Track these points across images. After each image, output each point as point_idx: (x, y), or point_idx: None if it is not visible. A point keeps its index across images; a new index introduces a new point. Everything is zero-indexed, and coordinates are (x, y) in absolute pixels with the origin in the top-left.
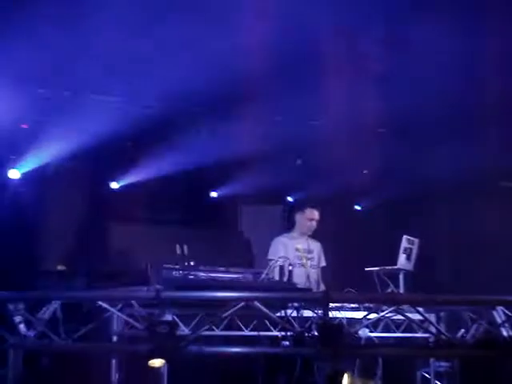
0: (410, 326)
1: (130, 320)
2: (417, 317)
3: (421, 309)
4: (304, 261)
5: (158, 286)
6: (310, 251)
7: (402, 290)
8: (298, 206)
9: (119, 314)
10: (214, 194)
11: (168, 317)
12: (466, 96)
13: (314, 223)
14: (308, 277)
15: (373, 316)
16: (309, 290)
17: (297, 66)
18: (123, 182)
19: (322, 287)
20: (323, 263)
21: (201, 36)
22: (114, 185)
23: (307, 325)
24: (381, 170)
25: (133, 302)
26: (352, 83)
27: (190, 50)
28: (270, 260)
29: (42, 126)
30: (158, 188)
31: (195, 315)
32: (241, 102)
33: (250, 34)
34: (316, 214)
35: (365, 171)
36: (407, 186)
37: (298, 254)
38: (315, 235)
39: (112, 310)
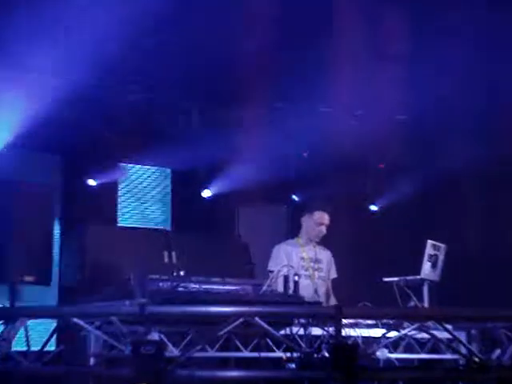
0: (436, 345)
1: (110, 339)
2: (444, 335)
3: (449, 326)
4: (310, 272)
5: (142, 300)
6: (317, 261)
7: (426, 304)
8: (306, 208)
9: (97, 332)
10: (206, 193)
11: (154, 335)
12: (493, 82)
13: (324, 228)
14: (316, 290)
15: (393, 334)
16: (318, 303)
17: (303, 48)
18: (102, 179)
19: (333, 301)
20: (334, 275)
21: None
22: (91, 182)
23: (316, 344)
24: (400, 164)
25: (113, 318)
26: (365, 63)
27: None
28: (271, 271)
29: None
30: (142, 187)
31: (186, 334)
32: (238, 82)
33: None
34: (326, 218)
35: (381, 165)
36: (432, 182)
37: (303, 263)
38: (324, 242)
39: (88, 327)
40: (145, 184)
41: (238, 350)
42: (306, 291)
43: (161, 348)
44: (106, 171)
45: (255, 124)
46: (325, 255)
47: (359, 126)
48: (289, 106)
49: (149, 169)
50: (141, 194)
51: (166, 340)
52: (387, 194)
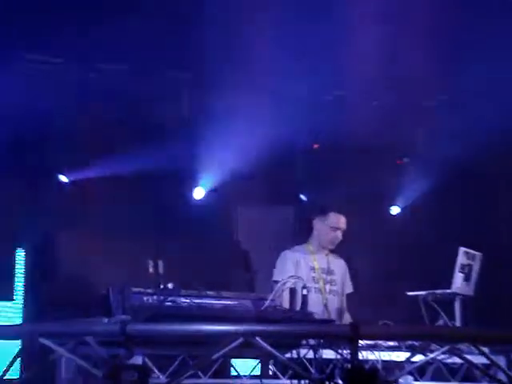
0: (470, 372)
1: (85, 364)
2: (480, 360)
3: (486, 349)
4: (322, 285)
5: (123, 317)
6: (330, 272)
7: (458, 323)
8: (318, 208)
9: (69, 355)
10: (199, 192)
11: (137, 359)
12: None
13: (340, 234)
14: (327, 306)
15: (418, 358)
16: (330, 321)
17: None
18: (76, 176)
19: (348, 319)
20: (349, 289)
21: None
22: (63, 178)
23: (328, 370)
24: (427, 156)
25: (88, 338)
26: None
27: None
28: (276, 282)
29: None
30: (123, 185)
31: (174, 357)
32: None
33: None
34: (343, 222)
35: (405, 159)
36: (465, 178)
37: (314, 275)
38: (338, 249)
39: (59, 349)
40: None
41: (236, 376)
42: (315, 307)
43: (145, 374)
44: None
45: (253, 111)
46: (339, 265)
47: (379, 113)
48: (296, 89)
49: None
50: None
51: (151, 364)
52: (411, 193)
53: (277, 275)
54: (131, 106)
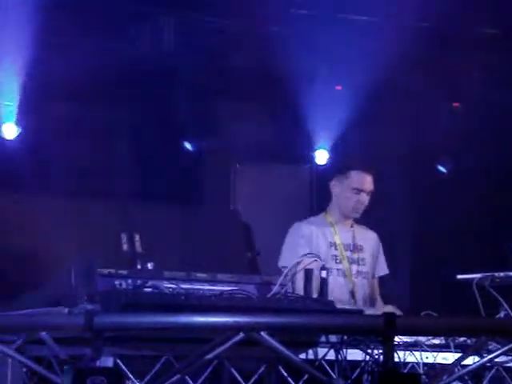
0: None
1: (38, 367)
2: None
3: None
4: (346, 265)
5: (89, 307)
6: (357, 248)
7: None
8: (337, 168)
9: (18, 356)
10: (187, 146)
11: (107, 361)
12: None
13: (366, 197)
14: (352, 293)
15: (472, 360)
16: (358, 312)
17: None
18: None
19: (381, 308)
20: (383, 270)
21: None
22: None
23: (355, 375)
24: (482, 105)
25: (43, 334)
26: None
27: None
28: (284, 267)
29: None
30: (93, 136)
31: (155, 358)
32: None
33: None
34: (369, 181)
35: (455, 104)
36: None
37: (335, 252)
38: (367, 219)
39: (4, 349)
40: None
41: (235, 382)
42: (338, 293)
43: (117, 380)
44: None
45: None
46: (369, 240)
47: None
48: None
49: None
50: None
51: (124, 368)
52: (463, 151)
53: (287, 254)
54: None
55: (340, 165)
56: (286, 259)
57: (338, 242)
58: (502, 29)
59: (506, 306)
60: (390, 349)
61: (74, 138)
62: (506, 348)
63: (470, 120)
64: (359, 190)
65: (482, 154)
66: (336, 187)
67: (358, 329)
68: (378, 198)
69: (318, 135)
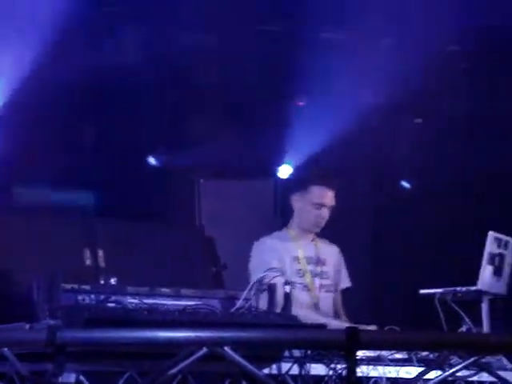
0: None
1: None
2: None
3: None
4: (309, 279)
5: (51, 322)
6: (320, 262)
7: (486, 329)
8: (298, 182)
9: None
10: (152, 161)
11: (70, 377)
12: None
13: (327, 212)
14: (316, 306)
15: (434, 374)
16: (321, 327)
17: None
18: None
19: (344, 322)
20: (345, 283)
21: None
22: None
23: None
24: (444, 120)
25: (4, 350)
26: None
27: None
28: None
29: None
30: (55, 149)
31: (118, 374)
32: None
33: None
34: (330, 196)
35: (417, 120)
36: (498, 145)
37: (298, 266)
38: (329, 233)
39: None
40: None
41: None
42: (302, 308)
43: None
44: None
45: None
46: (331, 253)
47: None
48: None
49: None
50: None
51: None
52: (427, 165)
53: (252, 269)
54: None
55: (301, 179)
56: (252, 269)
57: (300, 256)
58: (464, 45)
59: (467, 320)
60: (352, 363)
61: (37, 152)
62: (467, 362)
63: (432, 135)
64: (320, 205)
65: (444, 169)
66: (297, 202)
67: (320, 343)
68: (339, 212)
69: (282, 150)
